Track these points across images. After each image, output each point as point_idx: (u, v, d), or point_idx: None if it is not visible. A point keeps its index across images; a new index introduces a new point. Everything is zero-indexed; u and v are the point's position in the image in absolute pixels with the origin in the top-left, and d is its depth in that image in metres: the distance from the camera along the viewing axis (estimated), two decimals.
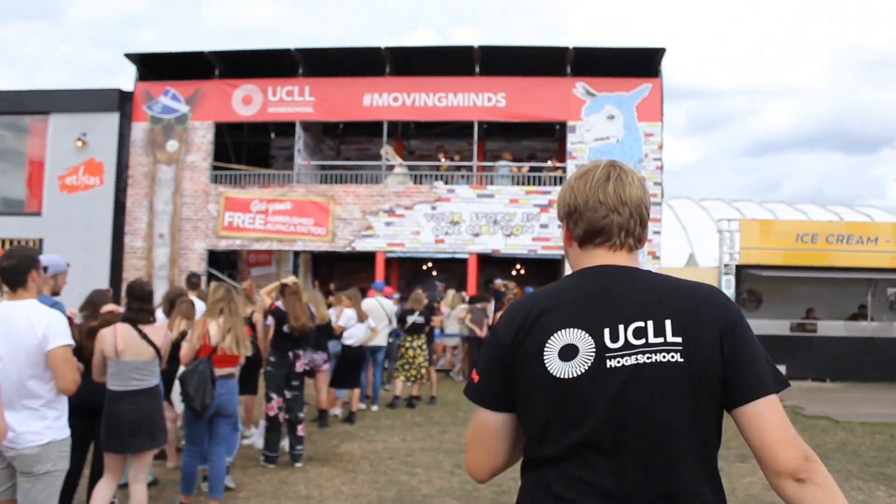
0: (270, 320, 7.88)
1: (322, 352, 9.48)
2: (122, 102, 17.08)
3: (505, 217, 16.28)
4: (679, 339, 1.59)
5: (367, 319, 10.33)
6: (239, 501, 6.25)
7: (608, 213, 1.73)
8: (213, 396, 5.78)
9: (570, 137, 16.50)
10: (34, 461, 3.66)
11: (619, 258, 1.75)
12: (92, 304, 5.61)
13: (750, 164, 77.18)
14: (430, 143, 19.52)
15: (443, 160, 17.99)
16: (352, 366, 10.11)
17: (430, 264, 19.34)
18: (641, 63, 16.43)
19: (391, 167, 16.88)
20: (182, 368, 5.99)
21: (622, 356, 1.60)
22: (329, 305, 11.87)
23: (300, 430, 7.69)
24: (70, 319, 4.77)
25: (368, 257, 16.63)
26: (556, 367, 1.61)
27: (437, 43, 20.45)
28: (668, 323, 1.61)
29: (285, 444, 7.83)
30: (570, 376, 1.60)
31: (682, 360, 1.59)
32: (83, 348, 4.99)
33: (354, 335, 10.07)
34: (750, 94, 72.97)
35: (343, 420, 10.04)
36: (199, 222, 16.73)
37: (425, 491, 6.68)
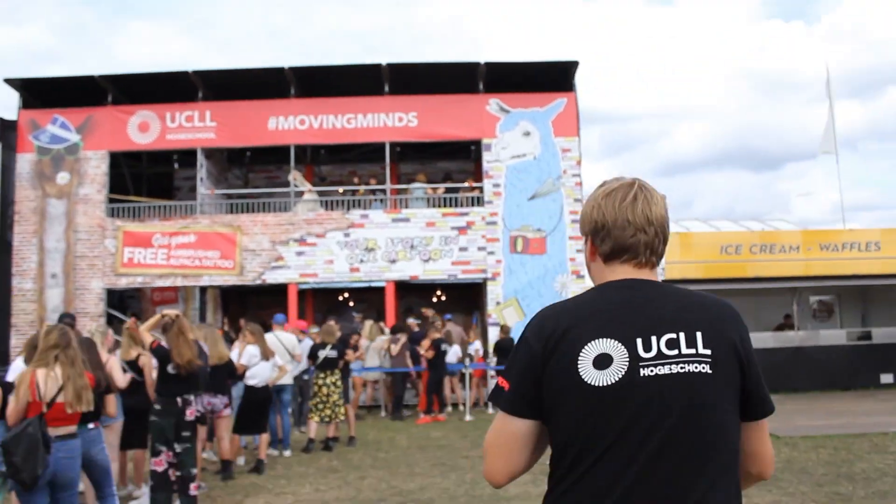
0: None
1: (222, 395, 8.59)
2: (3, 132, 15.85)
3: (422, 241, 15.60)
4: (709, 352, 1.67)
5: (272, 357, 9.46)
6: None
7: (636, 233, 1.77)
8: (47, 463, 4.86)
9: (486, 156, 15.95)
10: None
11: (643, 274, 1.80)
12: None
13: (663, 184, 79.02)
14: (342, 168, 18.71)
15: (357, 183, 17.18)
16: (257, 409, 9.18)
17: (346, 294, 18.49)
18: (555, 77, 16.03)
19: (300, 194, 16.04)
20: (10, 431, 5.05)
21: (656, 366, 1.64)
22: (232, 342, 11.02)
23: (193, 489, 6.81)
24: None
25: (281, 290, 15.70)
26: (591, 375, 1.64)
27: (343, 62, 19.73)
28: (699, 335, 1.67)
29: None
30: (606, 384, 1.64)
31: (710, 371, 1.66)
32: None
33: (258, 374, 9.18)
34: (658, 117, 74.89)
35: (250, 470, 9.09)
36: (95, 259, 15.56)
37: None
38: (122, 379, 6.97)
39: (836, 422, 11.40)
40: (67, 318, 8.58)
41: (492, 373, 14.74)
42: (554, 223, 15.76)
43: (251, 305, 18.26)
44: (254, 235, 15.50)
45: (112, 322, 14.29)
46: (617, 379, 1.64)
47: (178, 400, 6.80)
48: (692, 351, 1.66)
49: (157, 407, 6.82)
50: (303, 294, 17.12)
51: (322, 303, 18.10)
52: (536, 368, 1.70)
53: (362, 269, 15.53)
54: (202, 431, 8.52)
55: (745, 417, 1.75)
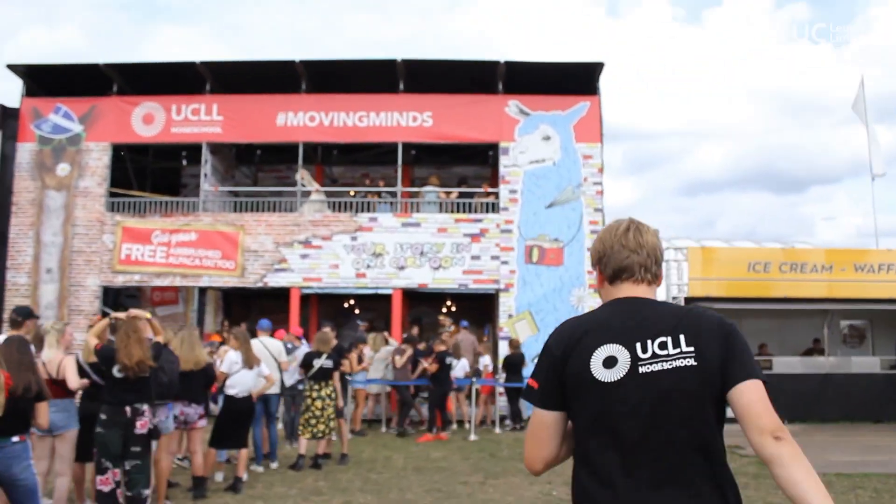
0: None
1: (197, 404, 7.84)
2: (4, 120, 15.31)
3: (432, 248, 14.85)
4: (692, 348, 1.99)
5: (257, 365, 8.65)
6: None
7: (630, 255, 2.17)
8: None
9: (503, 160, 15.17)
10: None
11: (640, 290, 2.17)
12: None
13: (685, 204, 78.03)
14: (355, 170, 17.99)
15: (368, 184, 16.44)
16: (236, 421, 8.35)
17: (352, 301, 17.76)
18: (578, 79, 15.24)
19: (307, 193, 15.35)
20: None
21: (651, 363, 2.00)
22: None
23: None
24: None
25: (284, 294, 15.00)
26: (601, 373, 2.02)
27: (357, 56, 18.94)
28: (682, 337, 2.01)
29: None
30: (613, 380, 2.01)
31: (695, 363, 1.98)
32: None
33: (239, 383, 8.37)
34: (682, 136, 73.64)
35: (227, 488, 8.32)
36: (92, 255, 14.96)
37: None
38: (75, 381, 6.25)
39: (875, 458, 10.42)
40: (20, 313, 7.40)
41: (500, 390, 13.92)
42: (572, 233, 14.95)
43: (254, 309, 17.57)
44: (257, 236, 14.84)
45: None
46: (621, 375, 1.99)
47: (127, 409, 6.04)
48: (678, 350, 1.99)
49: (103, 417, 6.06)
50: (308, 299, 16.45)
51: (328, 309, 17.38)
52: (558, 369, 2.07)
53: (369, 275, 14.81)
54: (172, 443, 7.80)
55: (729, 384, 1.96)
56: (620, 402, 1.97)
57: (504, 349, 14.14)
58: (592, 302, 14.78)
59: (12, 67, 15.27)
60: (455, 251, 14.82)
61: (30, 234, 15.05)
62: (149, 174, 17.61)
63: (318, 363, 9.75)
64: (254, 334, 9.90)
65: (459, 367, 13.57)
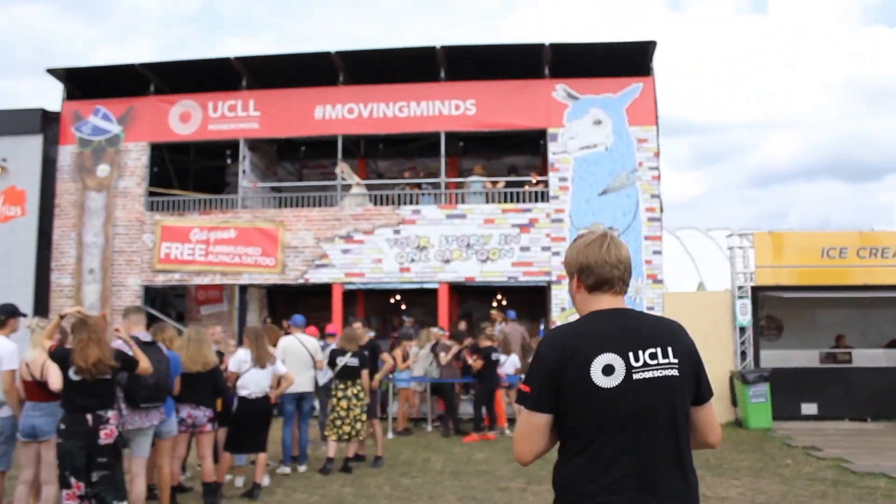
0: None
1: (205, 406, 7.27)
2: (46, 124, 15.25)
3: (479, 240, 14.12)
4: (676, 360, 2.31)
5: (270, 363, 7.90)
6: None
7: (611, 269, 2.40)
8: None
9: (552, 147, 14.37)
10: None
11: (618, 301, 2.43)
12: None
13: (755, 196, 75.61)
14: (401, 163, 17.38)
15: (407, 177, 15.81)
16: (249, 423, 7.72)
17: (398, 297, 17.12)
18: (630, 60, 14.35)
19: (347, 187, 14.81)
20: None
21: (643, 371, 2.26)
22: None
23: None
24: None
25: (330, 290, 14.43)
26: (601, 380, 2.23)
27: (395, 45, 18.19)
28: (669, 349, 2.31)
29: None
30: (611, 386, 2.23)
31: (678, 374, 2.30)
32: None
33: (250, 383, 7.73)
34: (750, 127, 71.29)
35: (243, 494, 7.70)
36: (133, 255, 14.72)
37: None
38: (57, 382, 5.66)
39: None
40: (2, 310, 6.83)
41: None
42: (628, 221, 14.04)
43: (299, 306, 17.09)
44: (297, 231, 14.36)
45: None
46: (618, 382, 2.25)
47: (88, 417, 5.42)
48: (666, 361, 2.30)
49: (61, 426, 5.46)
50: (353, 295, 15.90)
51: (374, 305, 16.80)
52: (554, 376, 2.28)
53: (413, 270, 14.16)
54: (179, 447, 7.21)
55: (698, 403, 2.39)
56: (619, 406, 2.23)
57: None
58: (652, 294, 13.89)
59: (52, 72, 15.22)
60: (503, 243, 14.07)
61: (72, 236, 14.91)
62: (191, 173, 17.37)
63: (342, 361, 9.09)
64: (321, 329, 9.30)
65: (509, 364, 12.81)
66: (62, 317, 5.79)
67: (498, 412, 12.44)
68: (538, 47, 14.17)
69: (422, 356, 12.91)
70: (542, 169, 15.27)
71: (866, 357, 13.75)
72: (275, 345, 9.22)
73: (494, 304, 16.80)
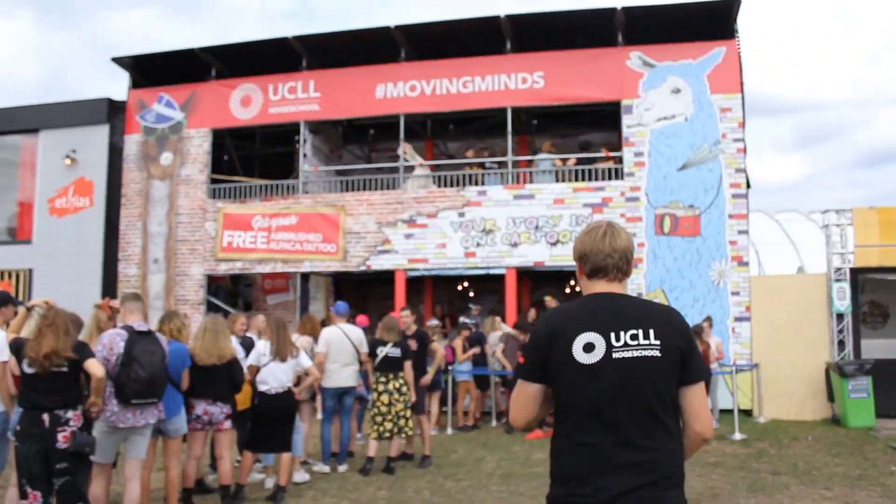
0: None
1: (222, 402, 6.75)
2: (112, 113, 15.25)
3: (548, 221, 13.27)
4: (659, 342, 2.40)
5: (291, 356, 7.28)
6: None
7: (605, 258, 2.54)
8: None
9: (626, 119, 13.36)
10: None
11: (614, 287, 2.55)
12: None
13: (864, 176, 70.83)
14: (471, 143, 16.61)
15: (471, 156, 15.01)
16: (269, 420, 7.15)
17: (465, 283, 16.41)
18: (711, 22, 13.16)
19: (410, 168, 14.19)
20: None
21: (623, 351, 2.38)
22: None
23: None
24: None
25: (390, 277, 13.90)
26: (581, 357, 2.39)
27: (457, 16, 17.22)
28: (651, 331, 2.41)
29: None
30: (590, 363, 2.38)
31: (660, 354, 2.40)
32: None
33: (270, 378, 7.13)
34: (856, 105, 66.67)
35: (267, 498, 7.16)
36: (196, 244, 14.56)
37: None
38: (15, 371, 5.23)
39: None
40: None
41: None
42: (711, 198, 12.92)
43: (367, 294, 16.67)
44: (358, 216, 13.85)
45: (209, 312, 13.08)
46: (598, 359, 2.39)
47: (44, 417, 4.91)
48: (647, 342, 2.40)
49: (17, 427, 4.97)
50: (420, 283, 15.33)
51: (441, 292, 16.18)
52: (543, 350, 2.46)
53: (479, 254, 13.45)
54: (195, 447, 6.71)
55: (685, 382, 2.44)
56: (598, 381, 2.38)
57: None
58: (737, 278, 12.74)
59: (117, 60, 15.19)
60: (574, 224, 13.17)
61: (137, 225, 14.88)
62: (256, 160, 17.13)
63: (382, 352, 8.45)
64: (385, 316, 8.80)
65: None
66: (29, 309, 5.36)
67: None
68: (610, 12, 13.15)
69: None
70: (619, 145, 14.27)
71: None
72: (315, 336, 8.71)
73: (567, 290, 15.89)
